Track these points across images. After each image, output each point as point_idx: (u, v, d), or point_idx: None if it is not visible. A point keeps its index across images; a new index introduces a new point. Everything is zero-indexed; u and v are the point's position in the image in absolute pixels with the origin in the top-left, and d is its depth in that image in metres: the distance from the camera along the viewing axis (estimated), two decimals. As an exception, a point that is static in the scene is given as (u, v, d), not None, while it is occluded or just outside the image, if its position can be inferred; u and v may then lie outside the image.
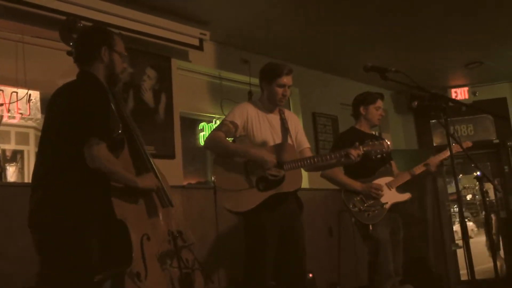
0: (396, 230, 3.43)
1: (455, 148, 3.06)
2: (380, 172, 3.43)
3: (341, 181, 3.39)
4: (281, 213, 2.78)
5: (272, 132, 2.93)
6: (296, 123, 3.10)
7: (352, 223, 3.51)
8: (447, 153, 3.44)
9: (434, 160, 3.43)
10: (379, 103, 3.54)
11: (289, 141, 2.92)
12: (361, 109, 3.53)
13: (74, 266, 1.94)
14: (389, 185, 3.40)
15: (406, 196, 3.45)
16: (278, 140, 2.91)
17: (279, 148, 2.84)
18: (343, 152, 2.83)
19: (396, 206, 3.41)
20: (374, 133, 3.66)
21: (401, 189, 3.46)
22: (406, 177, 3.46)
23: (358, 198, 3.34)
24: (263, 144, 2.88)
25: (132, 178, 2.13)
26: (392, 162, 3.58)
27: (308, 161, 2.85)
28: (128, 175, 2.13)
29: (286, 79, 2.89)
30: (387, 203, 3.34)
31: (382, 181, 3.40)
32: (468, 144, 3.42)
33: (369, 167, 3.33)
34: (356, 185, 3.35)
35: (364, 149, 2.85)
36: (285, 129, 2.96)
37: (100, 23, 3.80)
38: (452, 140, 2.56)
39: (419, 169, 3.46)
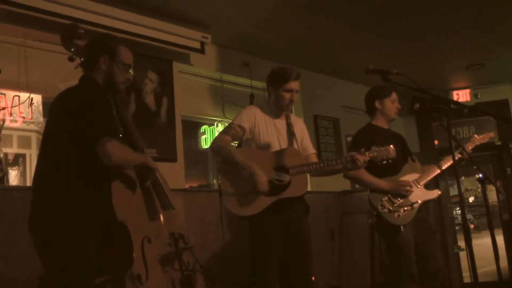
0: (429, 232, 3.21)
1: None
2: (406, 169, 3.22)
3: (368, 181, 3.17)
4: (287, 217, 2.78)
5: (278, 136, 2.94)
6: (302, 129, 3.09)
7: (371, 224, 3.24)
8: (475, 143, 3.26)
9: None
10: (394, 95, 3.38)
11: (295, 146, 2.93)
12: (377, 104, 3.37)
13: (72, 269, 1.94)
14: (416, 182, 3.18)
15: (436, 193, 3.22)
16: (284, 145, 2.92)
17: (284, 153, 2.84)
18: (349, 157, 2.80)
19: (423, 205, 3.17)
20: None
21: (428, 185, 3.21)
22: (434, 171, 3.22)
23: (386, 198, 3.11)
24: (269, 148, 2.88)
25: (138, 157, 2.23)
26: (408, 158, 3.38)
27: (314, 166, 2.83)
28: (136, 155, 2.22)
29: (294, 84, 2.89)
30: (417, 201, 3.11)
31: (408, 178, 3.18)
32: (491, 135, 3.29)
33: (393, 165, 3.05)
34: (383, 184, 3.14)
35: (370, 155, 2.81)
36: (291, 134, 2.96)
37: (103, 27, 3.82)
38: (454, 143, 2.55)
39: (446, 162, 3.21)
